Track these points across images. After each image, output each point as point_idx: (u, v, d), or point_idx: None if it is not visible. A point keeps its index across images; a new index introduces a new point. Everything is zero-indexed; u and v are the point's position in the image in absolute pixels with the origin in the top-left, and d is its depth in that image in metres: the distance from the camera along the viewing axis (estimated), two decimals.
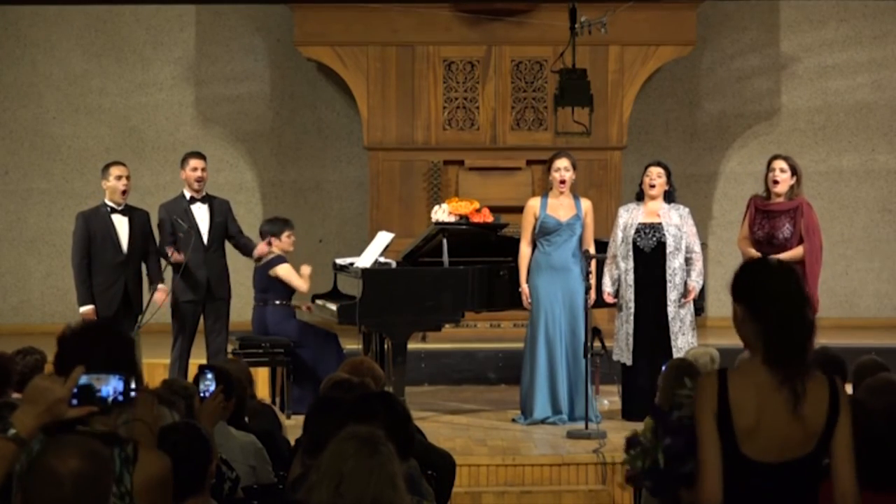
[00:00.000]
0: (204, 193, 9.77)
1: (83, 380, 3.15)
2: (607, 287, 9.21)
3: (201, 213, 9.70)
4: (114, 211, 9.47)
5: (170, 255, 9.44)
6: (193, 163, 9.73)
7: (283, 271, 9.79)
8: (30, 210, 13.39)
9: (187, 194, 9.72)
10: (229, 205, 9.95)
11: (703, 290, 9.40)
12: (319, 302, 9.94)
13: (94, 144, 13.31)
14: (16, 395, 6.07)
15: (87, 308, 9.28)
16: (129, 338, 3.53)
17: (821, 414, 3.55)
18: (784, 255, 8.87)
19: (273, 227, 10.02)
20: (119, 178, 9.49)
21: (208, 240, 9.66)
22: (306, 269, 9.85)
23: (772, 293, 3.58)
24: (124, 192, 9.47)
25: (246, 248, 9.88)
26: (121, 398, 3.20)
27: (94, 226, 9.42)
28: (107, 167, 9.60)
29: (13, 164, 13.36)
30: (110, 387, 3.18)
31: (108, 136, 13.31)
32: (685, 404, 3.70)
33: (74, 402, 3.12)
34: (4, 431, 3.05)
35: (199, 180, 9.68)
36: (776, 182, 9.00)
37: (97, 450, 2.98)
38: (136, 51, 13.34)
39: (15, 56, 13.33)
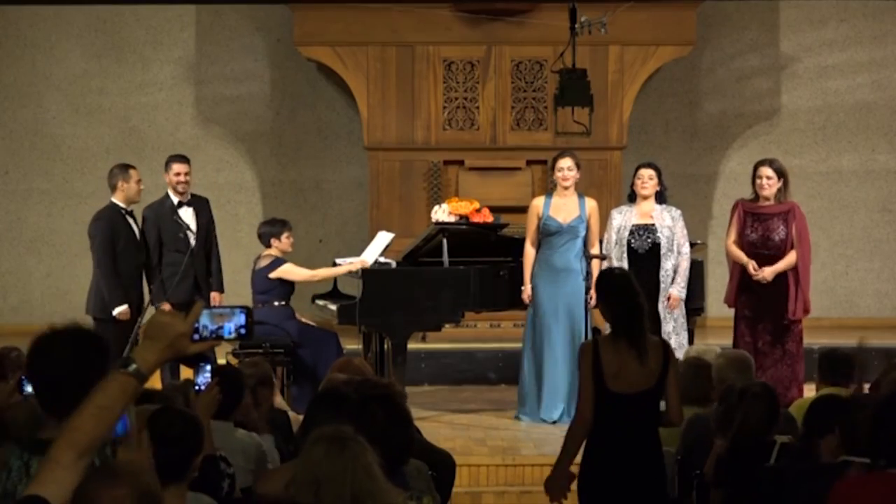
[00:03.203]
0: (189, 196, 9.79)
1: (202, 314, 3.13)
2: None
3: (187, 215, 9.71)
4: (127, 213, 9.52)
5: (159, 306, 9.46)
6: (176, 167, 9.74)
7: (286, 271, 9.75)
8: (30, 210, 13.39)
9: (174, 198, 9.72)
10: (209, 203, 9.95)
11: (702, 290, 9.43)
12: (319, 302, 9.95)
13: (94, 144, 13.31)
14: None
15: (123, 308, 9.28)
16: (103, 343, 3.46)
17: (658, 363, 5.55)
18: (780, 266, 8.99)
19: (272, 228, 10.00)
20: (139, 181, 9.55)
21: (196, 242, 9.68)
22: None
23: (614, 293, 5.65)
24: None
25: (214, 277, 9.84)
26: (243, 332, 3.19)
27: (116, 228, 9.44)
28: (125, 169, 9.58)
29: (13, 164, 13.36)
30: (232, 323, 3.17)
31: (108, 136, 13.31)
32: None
33: (196, 336, 3.11)
34: (126, 367, 3.03)
35: (182, 185, 9.71)
36: (763, 189, 9.06)
37: (150, 489, 2.94)
38: (136, 51, 13.33)
39: (15, 56, 13.32)
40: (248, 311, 3.20)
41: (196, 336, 3.11)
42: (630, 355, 5.50)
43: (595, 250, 9.25)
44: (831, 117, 13.49)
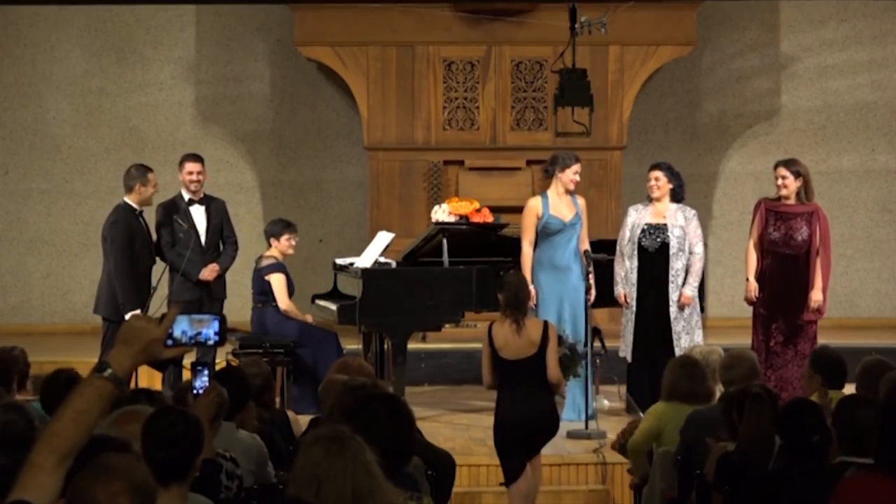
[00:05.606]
0: (202, 195, 9.77)
1: (180, 320, 3.15)
2: (622, 289, 9.23)
3: (199, 214, 9.69)
4: (139, 214, 9.48)
5: (203, 275, 9.48)
6: (189, 166, 9.69)
7: (275, 281, 9.79)
8: (30, 210, 13.39)
9: (185, 195, 9.71)
10: (225, 205, 9.94)
11: (702, 290, 9.44)
12: (320, 302, 9.95)
13: (94, 144, 13.31)
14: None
15: (136, 313, 9.07)
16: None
17: (538, 336, 7.29)
18: (816, 282, 9.18)
19: (273, 228, 10.03)
20: (155, 184, 9.48)
21: (206, 241, 9.66)
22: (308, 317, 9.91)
23: (507, 287, 7.39)
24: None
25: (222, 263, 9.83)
26: (216, 339, 3.21)
27: (133, 229, 9.36)
28: (145, 172, 9.47)
29: (13, 164, 13.36)
30: (210, 330, 3.19)
31: (108, 136, 13.32)
32: None
33: (169, 342, 3.13)
34: (102, 372, 3.04)
35: (195, 183, 9.67)
36: (779, 189, 9.18)
37: (144, 481, 2.98)
38: (136, 51, 13.34)
39: (15, 56, 13.33)
40: (222, 319, 3.24)
41: (170, 342, 3.13)
42: (512, 330, 7.27)
43: (585, 246, 9.30)
44: (831, 117, 13.49)
